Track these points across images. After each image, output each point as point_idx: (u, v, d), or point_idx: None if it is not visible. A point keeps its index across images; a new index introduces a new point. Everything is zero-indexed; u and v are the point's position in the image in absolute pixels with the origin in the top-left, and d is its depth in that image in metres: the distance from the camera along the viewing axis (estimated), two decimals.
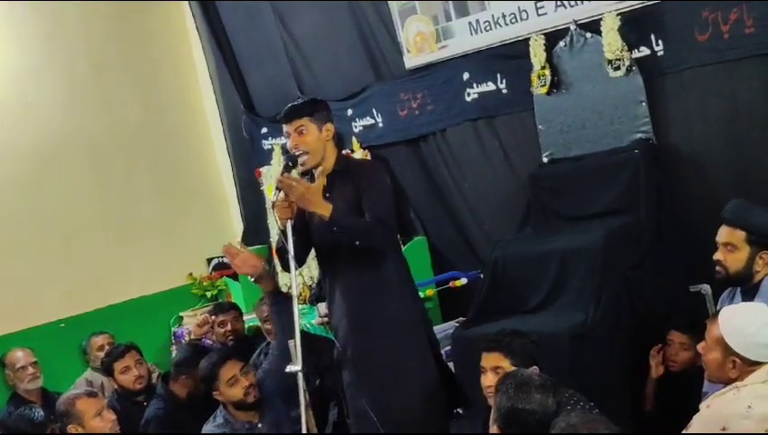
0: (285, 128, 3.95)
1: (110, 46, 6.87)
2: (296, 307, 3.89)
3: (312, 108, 3.95)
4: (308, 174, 4.09)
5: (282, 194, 3.83)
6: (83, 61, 6.68)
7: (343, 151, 4.51)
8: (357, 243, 3.82)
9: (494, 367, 3.48)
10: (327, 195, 3.92)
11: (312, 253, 4.27)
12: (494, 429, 2.85)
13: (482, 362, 3.55)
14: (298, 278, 4.05)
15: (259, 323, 5.33)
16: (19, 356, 5.63)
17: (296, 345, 3.79)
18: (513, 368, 3.39)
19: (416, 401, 3.94)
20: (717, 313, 3.06)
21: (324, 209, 3.75)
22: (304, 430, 3.73)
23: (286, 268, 4.00)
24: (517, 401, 2.80)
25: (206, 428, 4.29)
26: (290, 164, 3.96)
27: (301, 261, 4.04)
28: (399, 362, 3.96)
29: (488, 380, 3.45)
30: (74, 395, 4.18)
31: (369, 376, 3.96)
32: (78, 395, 4.17)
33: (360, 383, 3.97)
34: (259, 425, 4.23)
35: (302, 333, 3.93)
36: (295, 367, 3.76)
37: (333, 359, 4.63)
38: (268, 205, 6.60)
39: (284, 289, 6.16)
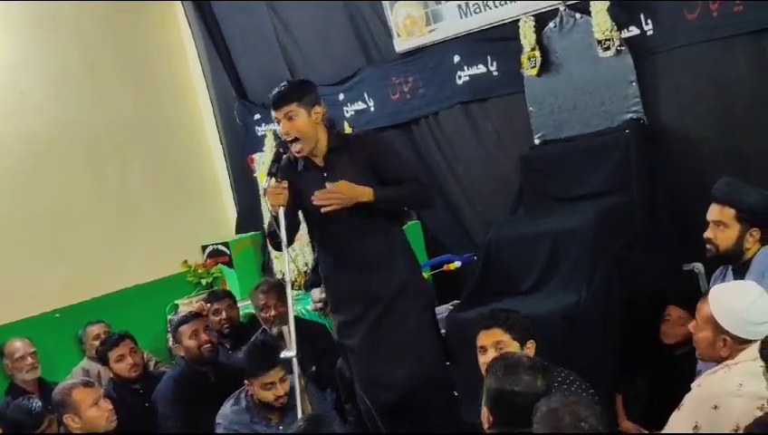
0: (274, 114, 3.95)
1: (102, 36, 6.83)
2: (290, 293, 3.91)
3: (300, 92, 3.92)
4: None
5: (273, 180, 3.84)
6: (75, 50, 6.65)
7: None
8: (405, 208, 4.11)
9: (495, 343, 3.50)
10: (325, 175, 3.92)
11: (306, 238, 4.27)
12: (484, 410, 2.86)
13: (481, 341, 3.56)
14: (291, 265, 4.05)
15: (254, 311, 5.33)
16: (18, 346, 5.63)
17: (291, 331, 3.82)
18: (514, 342, 3.45)
19: (428, 369, 3.95)
20: (708, 291, 3.07)
21: (367, 195, 3.83)
22: (300, 416, 3.76)
23: (276, 248, 4.03)
24: (505, 382, 2.80)
25: (226, 407, 4.29)
26: (281, 150, 3.96)
27: (288, 242, 4.01)
28: (412, 330, 3.97)
29: (489, 357, 3.43)
30: (70, 385, 4.19)
31: (381, 343, 3.95)
32: (74, 385, 4.17)
33: (373, 349, 3.97)
34: (280, 427, 4.19)
35: (296, 319, 3.95)
36: (290, 353, 3.79)
37: (328, 344, 4.65)
38: (261, 191, 6.60)
39: (279, 276, 6.22)
